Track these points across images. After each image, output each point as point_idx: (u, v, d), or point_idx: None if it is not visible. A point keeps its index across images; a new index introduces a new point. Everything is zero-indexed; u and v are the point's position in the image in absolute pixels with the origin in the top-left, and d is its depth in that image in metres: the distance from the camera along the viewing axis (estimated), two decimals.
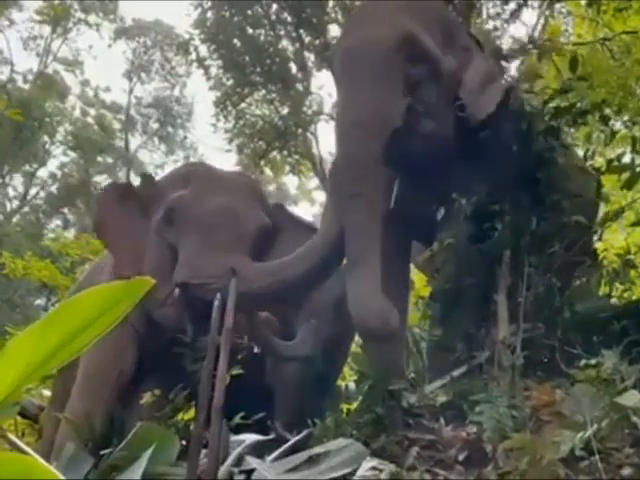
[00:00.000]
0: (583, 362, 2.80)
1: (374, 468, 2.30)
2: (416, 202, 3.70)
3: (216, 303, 2.22)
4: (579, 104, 3.69)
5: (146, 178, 4.15)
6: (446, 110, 3.41)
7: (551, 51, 9.52)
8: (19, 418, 4.52)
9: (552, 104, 3.56)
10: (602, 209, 4.22)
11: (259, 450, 2.68)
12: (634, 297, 3.75)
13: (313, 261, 3.36)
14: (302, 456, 2.43)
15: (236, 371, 2.61)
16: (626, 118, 9.38)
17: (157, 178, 4.20)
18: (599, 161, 4.36)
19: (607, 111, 4.37)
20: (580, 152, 4.30)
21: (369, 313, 2.95)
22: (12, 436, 1.98)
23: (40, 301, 17.19)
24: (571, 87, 3.60)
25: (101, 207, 4.14)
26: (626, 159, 3.83)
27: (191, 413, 3.64)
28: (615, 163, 3.73)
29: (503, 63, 3.65)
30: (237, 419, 2.97)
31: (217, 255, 3.50)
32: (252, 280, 3.32)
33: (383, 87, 3.28)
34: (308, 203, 24.46)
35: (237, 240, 3.62)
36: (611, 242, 4.35)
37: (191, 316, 3.49)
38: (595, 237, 3.87)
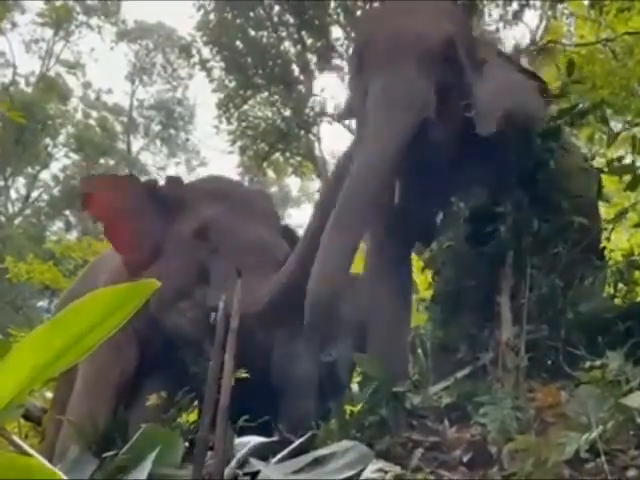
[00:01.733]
0: (588, 364, 2.79)
1: (380, 470, 2.30)
2: (418, 204, 3.71)
3: (221, 305, 2.22)
4: (580, 105, 3.69)
5: (174, 180, 4.11)
6: (456, 121, 3.41)
7: (553, 52, 9.53)
8: (22, 420, 4.52)
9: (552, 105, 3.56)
10: (602, 210, 4.22)
11: (263, 452, 2.68)
12: (638, 298, 3.74)
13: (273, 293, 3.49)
14: (306, 458, 2.42)
15: (243, 374, 2.61)
16: (629, 119, 9.38)
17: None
18: (600, 162, 4.36)
19: (607, 112, 4.38)
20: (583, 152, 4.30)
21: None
22: (16, 438, 1.97)
23: (42, 303, 17.21)
24: (569, 90, 3.60)
25: (122, 195, 3.94)
26: (627, 160, 3.83)
27: (195, 414, 3.64)
28: (616, 164, 3.73)
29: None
30: (242, 421, 2.97)
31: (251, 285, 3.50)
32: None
33: (419, 82, 3.29)
34: (310, 205, 24.49)
35: (269, 269, 3.61)
36: (615, 243, 4.34)
37: (212, 340, 3.50)
38: (603, 237, 3.88)
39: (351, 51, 3.84)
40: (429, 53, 3.35)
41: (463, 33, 3.57)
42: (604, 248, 3.92)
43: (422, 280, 4.82)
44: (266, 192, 4.43)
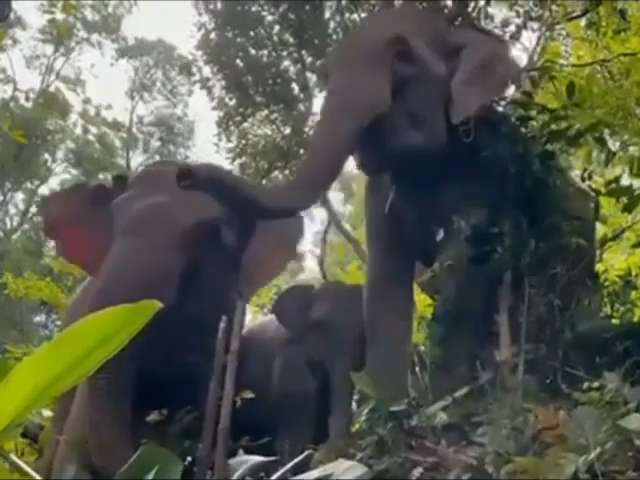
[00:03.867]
0: (586, 384, 2.80)
1: None
2: (417, 223, 3.73)
3: (222, 325, 2.22)
4: (576, 126, 3.71)
5: (117, 179, 4.13)
6: (437, 117, 3.47)
7: (550, 73, 9.58)
8: (19, 438, 4.49)
9: (548, 128, 3.58)
10: (599, 230, 4.23)
11: (261, 471, 2.67)
12: (635, 318, 3.74)
13: None
14: (304, 478, 2.41)
15: (245, 395, 2.61)
16: (625, 138, 9.43)
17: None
18: (598, 182, 4.38)
19: (604, 132, 4.41)
20: (578, 173, 4.33)
21: None
22: (13, 456, 1.97)
23: (40, 319, 17.13)
24: (566, 114, 3.64)
25: (70, 206, 4.02)
26: (624, 179, 3.84)
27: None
28: (613, 185, 3.75)
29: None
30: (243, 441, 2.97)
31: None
32: None
33: (370, 77, 3.43)
34: (308, 220, 24.52)
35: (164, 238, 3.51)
36: (611, 263, 4.36)
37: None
38: (596, 258, 3.88)
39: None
40: (376, 51, 3.48)
41: (423, 28, 3.64)
42: (597, 270, 3.93)
43: (422, 299, 4.83)
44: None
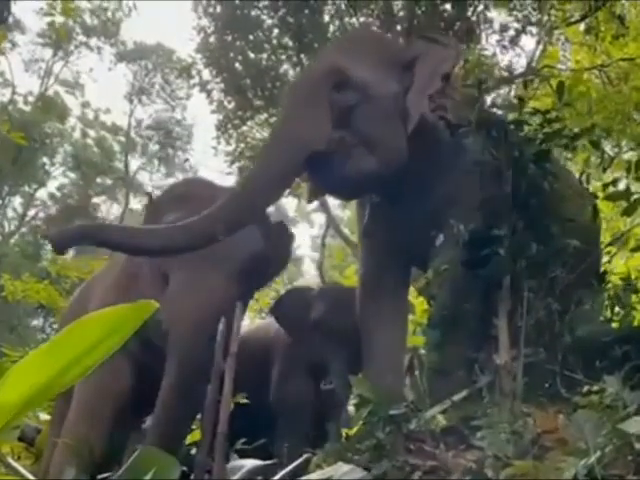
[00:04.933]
0: (585, 388, 2.78)
1: None
2: (411, 229, 3.73)
3: (220, 327, 2.21)
4: (571, 129, 3.71)
5: (148, 196, 4.13)
6: (393, 135, 3.51)
7: (548, 78, 9.61)
8: (16, 441, 4.47)
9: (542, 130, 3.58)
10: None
11: (259, 475, 2.66)
12: (635, 322, 3.73)
13: None
14: None
15: (241, 398, 2.60)
16: (624, 143, 9.44)
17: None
18: (596, 186, 4.37)
19: (599, 136, 4.41)
20: (576, 177, 4.32)
21: None
22: (10, 459, 1.96)
23: (37, 322, 17.11)
24: (557, 117, 3.65)
25: None
26: (622, 183, 3.84)
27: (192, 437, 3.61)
28: (611, 187, 3.75)
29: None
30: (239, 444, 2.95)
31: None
32: None
33: (308, 114, 3.49)
34: (307, 225, 24.53)
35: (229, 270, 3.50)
36: (611, 266, 4.36)
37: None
38: (603, 260, 3.89)
39: None
40: (313, 85, 3.58)
41: (362, 54, 3.69)
42: (605, 272, 3.93)
43: (419, 302, 4.82)
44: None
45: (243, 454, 3.14)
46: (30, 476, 1.58)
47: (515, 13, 9.65)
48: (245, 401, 2.68)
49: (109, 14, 20.68)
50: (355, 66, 3.57)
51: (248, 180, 3.72)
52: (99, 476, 2.79)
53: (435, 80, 3.56)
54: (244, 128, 10.24)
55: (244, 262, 3.53)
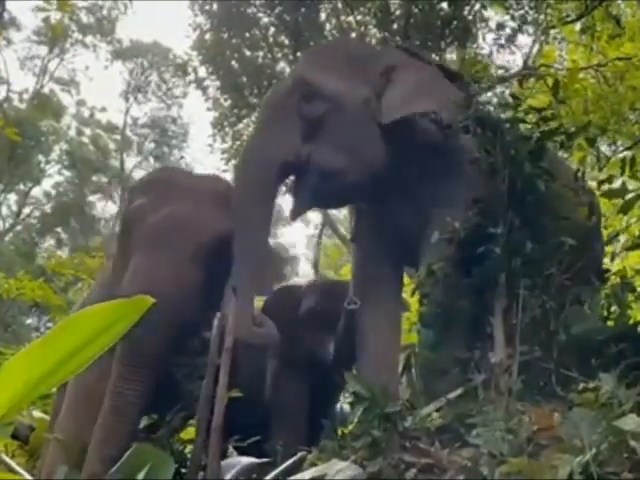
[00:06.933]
0: (581, 386, 2.78)
1: None
2: (402, 229, 3.74)
3: (215, 323, 2.20)
4: (567, 128, 3.72)
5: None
6: (368, 138, 3.54)
7: (545, 76, 9.62)
8: (9, 439, 4.46)
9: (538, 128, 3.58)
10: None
11: (254, 472, 2.65)
12: (631, 320, 3.73)
13: None
14: (298, 478, 2.40)
15: (235, 393, 2.59)
16: (619, 142, 9.47)
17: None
18: (591, 185, 4.37)
19: (599, 135, 4.41)
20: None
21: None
22: (4, 456, 1.95)
23: (31, 320, 17.07)
24: (553, 114, 3.65)
25: None
26: (618, 181, 3.83)
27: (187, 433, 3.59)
28: (606, 185, 3.75)
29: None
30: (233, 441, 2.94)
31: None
32: None
33: (276, 127, 3.59)
34: (302, 224, 24.48)
35: (188, 251, 3.51)
36: (609, 265, 4.36)
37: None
38: (606, 259, 3.91)
39: None
40: (281, 99, 3.69)
41: (336, 62, 3.73)
42: (606, 270, 3.94)
43: (415, 301, 4.81)
44: (218, 177, 4.27)
45: (240, 452, 3.13)
46: (24, 473, 1.58)
47: (511, 12, 9.65)
48: (239, 394, 2.68)
49: (105, 12, 20.65)
50: (322, 76, 3.63)
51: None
52: None
53: (423, 98, 3.59)
54: (240, 126, 10.22)
55: (206, 245, 3.54)
